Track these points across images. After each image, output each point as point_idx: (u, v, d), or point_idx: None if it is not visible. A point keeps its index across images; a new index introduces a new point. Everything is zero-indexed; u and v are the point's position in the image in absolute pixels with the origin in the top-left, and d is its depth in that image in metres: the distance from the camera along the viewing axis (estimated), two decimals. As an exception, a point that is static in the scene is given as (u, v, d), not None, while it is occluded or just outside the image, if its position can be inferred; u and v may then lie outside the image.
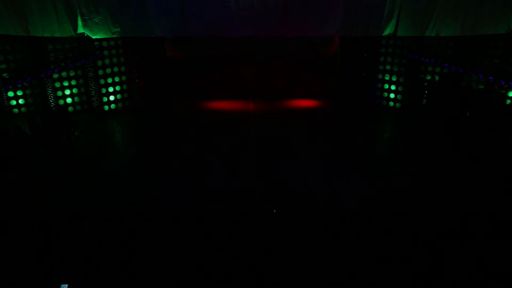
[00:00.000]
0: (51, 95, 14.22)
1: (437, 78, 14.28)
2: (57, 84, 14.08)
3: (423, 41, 13.99)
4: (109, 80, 14.15)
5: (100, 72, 13.86)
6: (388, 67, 14.61)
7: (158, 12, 13.31)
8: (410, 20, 13.40)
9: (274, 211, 7.84)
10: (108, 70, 14.02)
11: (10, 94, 13.96)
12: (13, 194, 8.71)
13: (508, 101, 12.84)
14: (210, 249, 7.01)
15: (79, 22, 12.98)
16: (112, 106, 14.53)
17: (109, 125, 13.72)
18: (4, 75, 11.86)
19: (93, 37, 13.27)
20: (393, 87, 14.76)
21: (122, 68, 14.32)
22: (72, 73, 14.21)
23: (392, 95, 14.87)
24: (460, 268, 6.58)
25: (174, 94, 15.63)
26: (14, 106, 14.12)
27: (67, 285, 6.04)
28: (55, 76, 13.89)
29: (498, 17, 12.70)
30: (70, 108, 14.51)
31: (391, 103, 14.97)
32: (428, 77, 14.49)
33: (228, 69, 15.77)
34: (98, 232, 7.49)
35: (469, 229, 7.55)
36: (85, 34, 13.20)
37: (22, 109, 14.22)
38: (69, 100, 14.47)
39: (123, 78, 14.45)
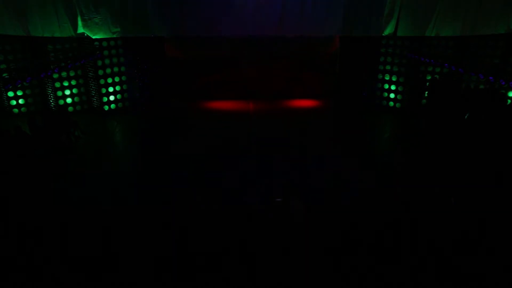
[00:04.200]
0: (51, 95, 14.23)
1: (437, 78, 14.28)
2: (57, 84, 14.10)
3: (423, 41, 14.00)
4: (109, 80, 14.15)
5: (100, 72, 13.87)
6: (388, 67, 14.62)
7: (158, 12, 13.32)
8: (410, 20, 13.41)
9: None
10: (108, 70, 14.02)
11: (10, 94, 13.97)
12: (13, 194, 8.71)
13: (509, 101, 12.85)
14: (210, 249, 7.01)
15: (79, 22, 12.99)
16: (112, 106, 14.53)
17: (109, 125, 13.72)
18: (4, 75, 11.85)
19: (93, 37, 13.27)
20: (393, 87, 14.77)
21: (122, 68, 14.33)
22: (72, 73, 14.23)
23: (392, 95, 14.88)
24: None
25: (174, 94, 15.65)
26: (14, 106, 14.13)
27: None
28: (55, 76, 13.90)
29: (498, 17, 12.71)
30: (70, 108, 14.52)
31: (391, 103, 14.97)
32: (428, 77, 14.50)
33: (228, 69, 15.79)
34: (98, 233, 7.49)
35: (468, 228, 7.56)
36: (85, 34, 13.20)
37: (22, 109, 14.23)
38: (69, 100, 14.48)
39: (123, 78, 14.45)
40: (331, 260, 6.77)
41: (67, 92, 14.37)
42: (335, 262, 6.74)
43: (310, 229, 7.24)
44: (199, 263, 6.69)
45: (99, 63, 13.75)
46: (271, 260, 6.70)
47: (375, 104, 15.24)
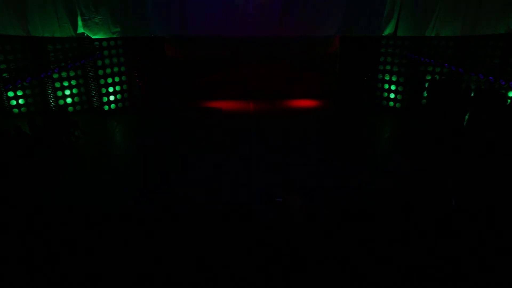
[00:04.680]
0: (51, 95, 14.23)
1: (437, 78, 14.29)
2: (57, 84, 14.09)
3: (423, 41, 13.99)
4: (109, 80, 14.15)
5: (100, 72, 13.87)
6: (388, 67, 14.61)
7: (158, 12, 13.31)
8: (410, 20, 13.40)
9: None
10: (108, 70, 14.02)
11: (10, 94, 13.97)
12: (13, 194, 8.72)
13: (509, 101, 12.85)
14: (209, 248, 7.01)
15: (79, 22, 12.97)
16: (112, 106, 14.53)
17: (109, 125, 13.72)
18: (4, 75, 11.85)
19: (93, 37, 13.26)
20: (393, 87, 14.77)
21: (122, 68, 14.32)
22: (72, 73, 14.22)
23: (392, 95, 14.87)
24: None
25: (174, 94, 15.64)
26: (14, 106, 14.13)
27: None
28: (55, 76, 13.90)
29: (498, 17, 12.69)
30: (70, 108, 14.52)
31: (391, 103, 14.97)
32: (428, 77, 14.50)
33: (228, 69, 15.78)
34: (98, 233, 7.49)
35: (467, 228, 7.56)
36: (85, 34, 13.20)
37: (22, 109, 14.23)
38: (69, 100, 14.47)
39: (123, 78, 14.45)
40: (331, 260, 6.77)
41: (67, 92, 14.36)
42: (334, 262, 6.74)
43: (310, 229, 7.24)
44: (199, 263, 6.70)
45: (99, 63, 13.74)
46: (272, 259, 6.70)
47: (375, 104, 15.24)
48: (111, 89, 14.30)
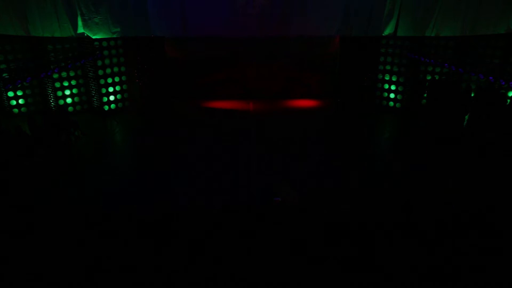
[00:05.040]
0: (51, 95, 14.23)
1: (437, 78, 14.28)
2: (57, 84, 14.09)
3: (423, 41, 14.00)
4: (109, 80, 14.16)
5: (100, 72, 13.87)
6: (388, 67, 14.62)
7: (158, 12, 13.32)
8: (410, 20, 13.41)
9: None
10: (108, 70, 14.03)
11: (10, 94, 13.97)
12: (13, 194, 8.72)
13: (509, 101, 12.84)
14: (209, 249, 7.01)
15: (79, 22, 12.99)
16: (112, 106, 14.53)
17: (109, 125, 13.73)
18: (4, 75, 11.85)
19: (93, 37, 13.27)
20: (393, 87, 14.77)
21: (122, 68, 14.34)
22: (72, 73, 14.22)
23: (392, 95, 14.87)
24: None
25: (174, 94, 15.64)
26: (14, 106, 14.13)
27: None
28: (55, 76, 13.90)
29: (498, 17, 12.70)
30: (70, 108, 14.52)
31: (391, 103, 14.97)
32: (428, 77, 14.50)
33: (228, 69, 15.79)
34: (98, 233, 7.49)
35: (467, 228, 7.55)
36: (85, 34, 13.21)
37: (22, 109, 14.23)
38: (69, 100, 14.47)
39: (123, 78, 14.46)
40: (331, 260, 6.77)
41: (67, 92, 14.36)
42: (334, 262, 6.74)
43: (310, 229, 7.24)
44: (199, 263, 6.70)
45: (99, 63, 13.75)
46: (272, 258, 6.70)
47: (375, 104, 15.24)
48: (111, 89, 14.30)
